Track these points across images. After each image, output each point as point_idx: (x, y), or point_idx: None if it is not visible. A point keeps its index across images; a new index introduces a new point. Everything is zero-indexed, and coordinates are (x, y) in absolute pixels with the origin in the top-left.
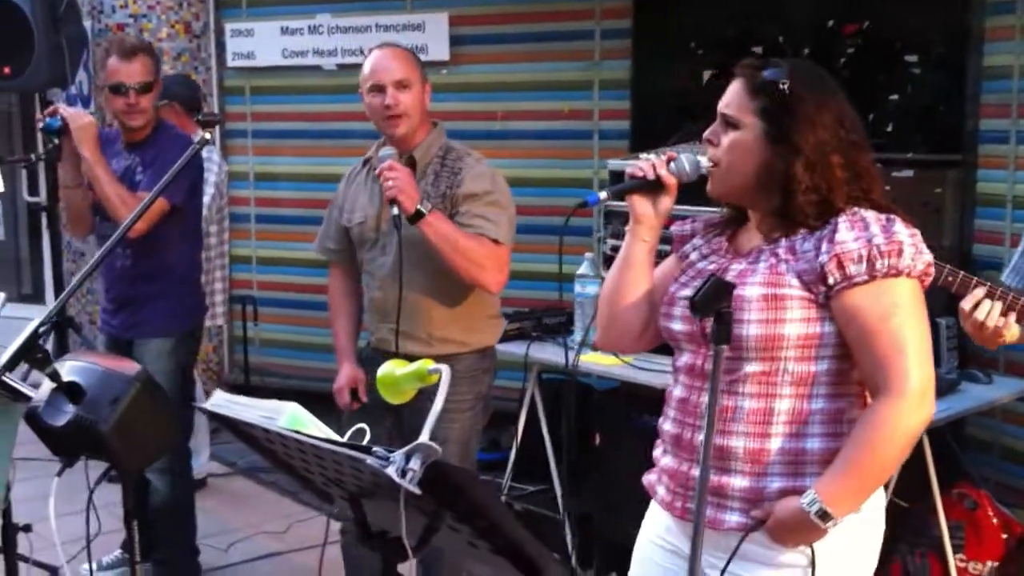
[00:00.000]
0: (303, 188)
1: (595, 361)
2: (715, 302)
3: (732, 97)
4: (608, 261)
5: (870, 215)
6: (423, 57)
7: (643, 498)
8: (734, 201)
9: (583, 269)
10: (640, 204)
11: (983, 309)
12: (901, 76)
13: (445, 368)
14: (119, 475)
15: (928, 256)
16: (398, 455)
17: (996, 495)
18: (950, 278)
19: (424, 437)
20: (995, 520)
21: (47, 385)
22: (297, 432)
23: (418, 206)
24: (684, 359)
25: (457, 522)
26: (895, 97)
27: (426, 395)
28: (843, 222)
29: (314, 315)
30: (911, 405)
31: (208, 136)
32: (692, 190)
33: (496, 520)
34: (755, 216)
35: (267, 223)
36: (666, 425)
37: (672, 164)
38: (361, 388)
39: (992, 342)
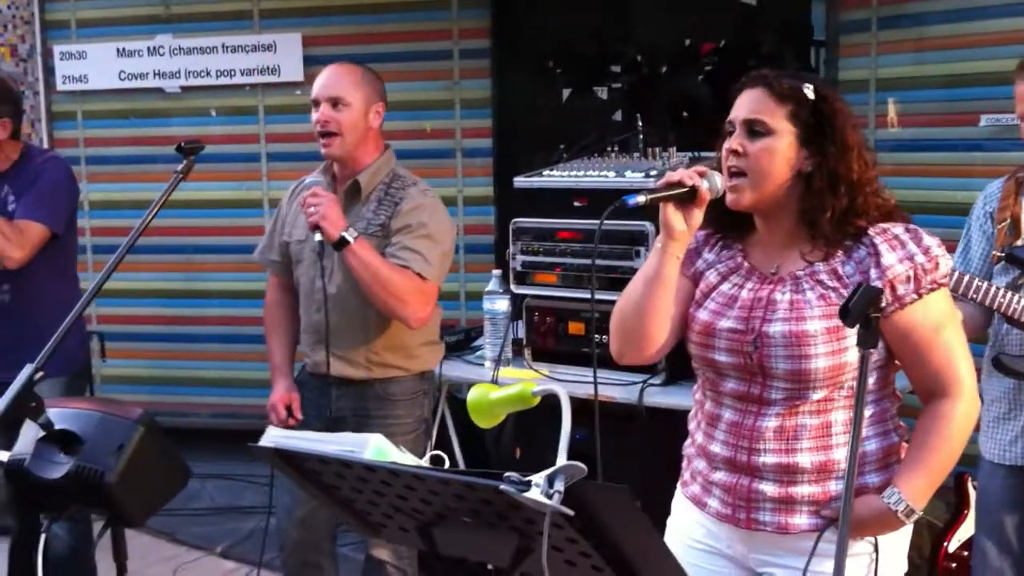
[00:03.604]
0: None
1: (514, 376)
2: (867, 309)
3: (757, 104)
4: (519, 278)
5: (899, 230)
6: (274, 78)
7: None
8: (761, 211)
9: (491, 286)
10: (674, 217)
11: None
12: None
13: (560, 389)
14: (114, 530)
15: (950, 258)
16: (539, 478)
17: None
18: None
19: (562, 458)
20: None
21: (30, 436)
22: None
23: (343, 233)
24: (730, 385)
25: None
26: None
27: (363, 420)
28: (881, 243)
29: (163, 347)
30: (970, 404)
31: (191, 164)
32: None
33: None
34: (770, 229)
35: (106, 254)
36: (714, 447)
37: (704, 180)
38: (295, 406)
39: None
